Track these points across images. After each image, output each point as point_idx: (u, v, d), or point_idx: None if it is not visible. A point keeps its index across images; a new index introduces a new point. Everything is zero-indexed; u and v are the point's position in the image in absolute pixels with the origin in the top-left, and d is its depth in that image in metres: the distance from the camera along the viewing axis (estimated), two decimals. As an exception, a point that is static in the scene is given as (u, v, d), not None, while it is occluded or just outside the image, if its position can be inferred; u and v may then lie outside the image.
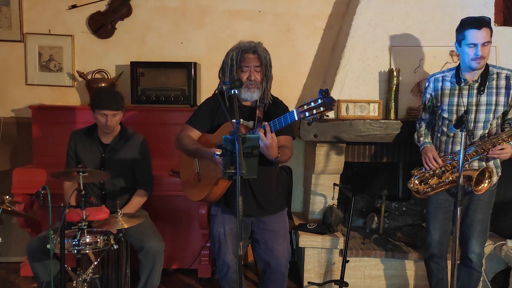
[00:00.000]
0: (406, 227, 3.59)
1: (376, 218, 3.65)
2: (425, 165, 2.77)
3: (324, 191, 3.55)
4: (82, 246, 2.50)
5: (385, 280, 3.40)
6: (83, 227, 2.53)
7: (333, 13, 3.95)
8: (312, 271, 3.41)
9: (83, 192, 2.50)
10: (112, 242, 2.62)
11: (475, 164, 2.71)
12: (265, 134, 2.26)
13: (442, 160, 2.74)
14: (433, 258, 2.94)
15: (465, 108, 2.69)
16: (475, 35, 2.58)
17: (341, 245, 3.35)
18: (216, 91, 2.61)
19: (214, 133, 2.56)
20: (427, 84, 2.88)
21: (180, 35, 3.97)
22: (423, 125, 2.93)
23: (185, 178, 2.66)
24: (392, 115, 3.36)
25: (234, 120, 2.08)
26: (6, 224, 3.42)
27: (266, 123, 2.29)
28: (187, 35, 3.97)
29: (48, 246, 2.47)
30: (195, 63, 3.69)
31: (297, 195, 4.05)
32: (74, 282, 2.59)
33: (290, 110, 2.35)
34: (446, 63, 2.78)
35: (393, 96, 3.35)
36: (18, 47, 3.92)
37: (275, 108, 2.60)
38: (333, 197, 3.51)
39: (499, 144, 2.61)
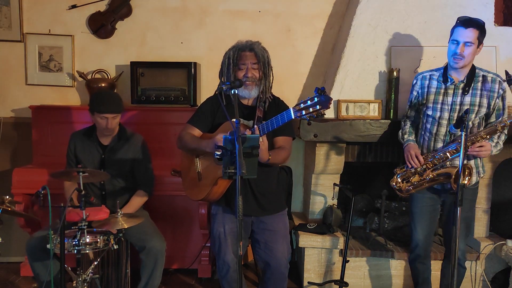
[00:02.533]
0: (406, 227, 3.58)
1: (376, 218, 3.65)
2: (407, 162, 2.80)
3: (324, 191, 3.55)
4: (82, 246, 2.50)
5: (385, 280, 3.40)
6: (83, 227, 2.53)
7: (333, 13, 3.95)
8: (312, 271, 3.41)
9: (83, 192, 2.51)
10: (112, 242, 2.62)
11: (457, 162, 2.71)
12: None
13: (424, 158, 2.76)
14: (419, 259, 2.95)
15: (449, 107, 2.73)
16: (460, 33, 2.64)
17: (341, 245, 3.35)
18: (217, 92, 2.61)
19: (214, 133, 2.56)
20: (414, 81, 2.92)
21: (180, 35, 3.97)
22: (408, 123, 2.96)
23: (186, 177, 2.66)
24: (392, 115, 3.36)
25: (234, 120, 2.07)
26: (6, 224, 3.40)
27: (256, 126, 2.29)
28: (187, 35, 3.97)
29: (48, 246, 2.47)
30: (195, 63, 3.69)
31: (297, 195, 4.05)
32: (74, 282, 2.59)
33: (289, 109, 2.33)
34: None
35: (393, 96, 3.35)
36: (18, 47, 3.92)
37: (276, 108, 2.59)
38: (333, 197, 3.51)
39: (478, 141, 2.64)
